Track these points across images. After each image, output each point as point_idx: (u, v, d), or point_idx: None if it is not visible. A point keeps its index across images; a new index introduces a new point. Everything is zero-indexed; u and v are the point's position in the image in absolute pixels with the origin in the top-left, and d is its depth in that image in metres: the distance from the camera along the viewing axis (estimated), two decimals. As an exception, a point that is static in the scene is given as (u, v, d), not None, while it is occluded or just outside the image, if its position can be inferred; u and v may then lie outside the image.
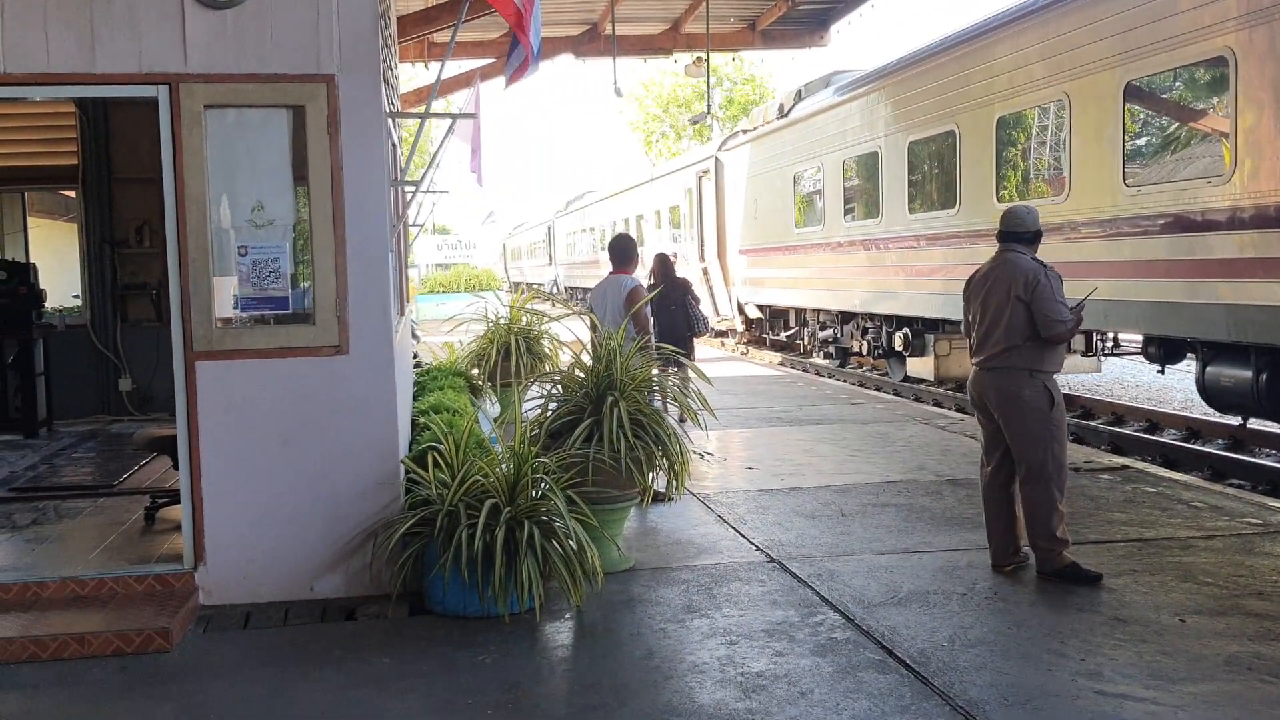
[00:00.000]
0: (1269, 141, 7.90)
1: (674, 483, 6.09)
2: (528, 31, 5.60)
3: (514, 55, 6.20)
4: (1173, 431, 11.26)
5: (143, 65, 5.17)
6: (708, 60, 14.50)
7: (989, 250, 5.84)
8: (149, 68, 5.18)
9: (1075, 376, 14.24)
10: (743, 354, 20.97)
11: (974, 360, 5.83)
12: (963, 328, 6.07)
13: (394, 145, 7.35)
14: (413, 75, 20.13)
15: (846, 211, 15.51)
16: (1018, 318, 5.54)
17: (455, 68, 16.35)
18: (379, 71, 5.48)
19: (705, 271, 22.48)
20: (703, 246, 22.52)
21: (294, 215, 5.47)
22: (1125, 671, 4.32)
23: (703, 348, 21.81)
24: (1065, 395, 5.72)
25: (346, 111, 5.34)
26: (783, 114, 18.12)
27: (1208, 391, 9.17)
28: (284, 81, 5.27)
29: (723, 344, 23.16)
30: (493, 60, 14.33)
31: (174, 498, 6.04)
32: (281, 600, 5.37)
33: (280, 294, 5.39)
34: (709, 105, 16.69)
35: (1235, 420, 9.64)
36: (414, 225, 12.22)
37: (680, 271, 24.16)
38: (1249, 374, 8.58)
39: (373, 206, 5.43)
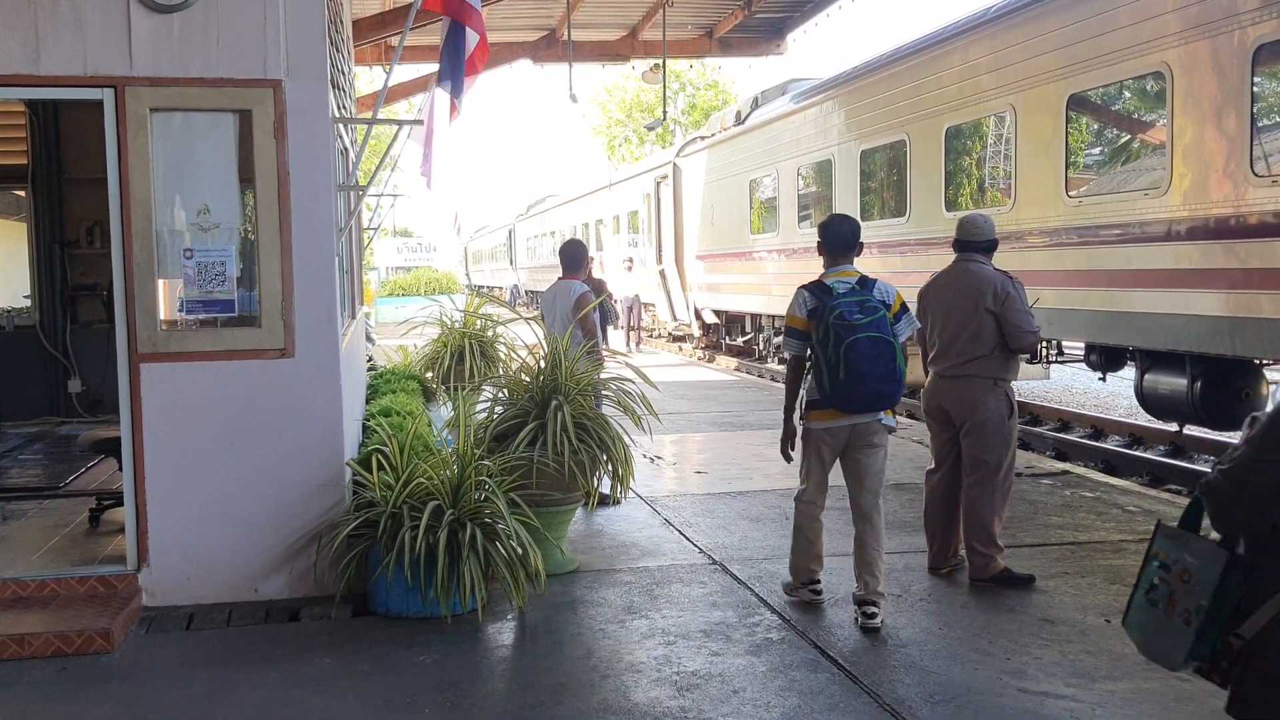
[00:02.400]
0: (1204, 156, 8.11)
1: (617, 485, 6.17)
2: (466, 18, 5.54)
3: (452, 71, 6.01)
4: (1116, 438, 11.49)
5: (88, 68, 5.17)
6: (664, 67, 14.61)
7: (940, 258, 5.90)
8: (94, 70, 5.18)
9: (1025, 383, 14.47)
10: (699, 359, 21.08)
11: (934, 368, 5.86)
12: (916, 336, 6.12)
13: (344, 149, 7.38)
14: (372, 78, 20.11)
15: (801, 218, 15.67)
16: (986, 329, 5.60)
17: (415, 71, 16.35)
18: (326, 76, 5.52)
19: (663, 275, 22.60)
20: (660, 251, 22.65)
21: (240, 219, 5.48)
22: (1049, 670, 4.45)
23: (659, 353, 21.93)
24: (1017, 402, 5.84)
25: (293, 116, 5.37)
26: (740, 121, 18.28)
27: (1145, 398, 9.39)
28: (230, 86, 5.29)
29: (680, 349, 23.27)
30: (451, 64, 14.31)
31: (119, 500, 6.03)
32: (225, 602, 5.39)
33: (226, 297, 5.40)
34: (664, 112, 16.79)
35: (1174, 427, 9.87)
36: (369, 229, 12.23)
37: (637, 275, 24.29)
38: (1184, 382, 8.80)
39: (320, 211, 5.46)
